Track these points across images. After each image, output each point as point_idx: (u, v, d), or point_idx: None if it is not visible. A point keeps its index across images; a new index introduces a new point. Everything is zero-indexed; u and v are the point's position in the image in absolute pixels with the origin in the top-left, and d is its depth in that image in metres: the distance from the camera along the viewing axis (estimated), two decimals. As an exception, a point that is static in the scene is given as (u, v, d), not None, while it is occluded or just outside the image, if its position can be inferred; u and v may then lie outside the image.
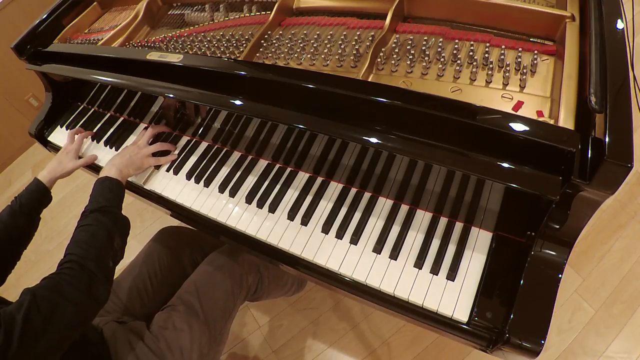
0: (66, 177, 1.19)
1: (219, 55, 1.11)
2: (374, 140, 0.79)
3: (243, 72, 0.92)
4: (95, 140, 1.30)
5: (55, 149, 1.39)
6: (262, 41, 1.07)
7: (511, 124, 0.69)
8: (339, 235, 0.91)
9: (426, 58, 0.92)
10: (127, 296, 1.11)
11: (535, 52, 0.85)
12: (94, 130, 1.31)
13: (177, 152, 1.15)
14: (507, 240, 0.83)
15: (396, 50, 0.94)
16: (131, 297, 1.11)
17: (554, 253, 0.74)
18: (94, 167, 1.26)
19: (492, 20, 0.95)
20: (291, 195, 0.99)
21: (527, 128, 0.68)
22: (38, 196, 1.09)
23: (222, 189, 1.04)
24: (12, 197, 1.06)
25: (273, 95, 0.90)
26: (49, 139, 1.41)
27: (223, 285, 1.09)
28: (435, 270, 0.83)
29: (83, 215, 0.90)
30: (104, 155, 1.26)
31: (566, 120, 0.71)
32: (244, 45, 1.10)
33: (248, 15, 1.22)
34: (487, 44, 0.90)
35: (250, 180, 1.04)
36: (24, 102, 2.81)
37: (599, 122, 0.66)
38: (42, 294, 0.72)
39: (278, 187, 1.01)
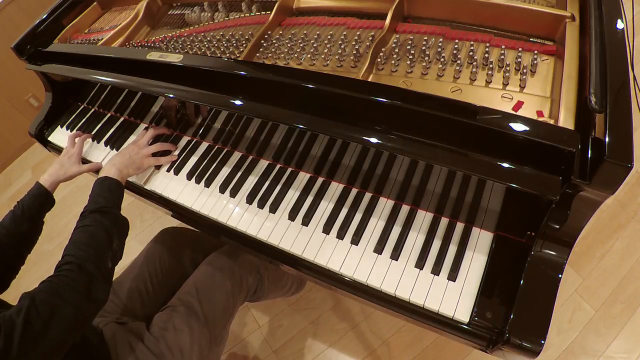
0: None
1: (219, 55, 1.11)
2: (374, 140, 0.79)
3: (243, 72, 0.92)
4: (95, 141, 1.30)
5: (55, 149, 1.39)
6: (262, 41, 1.07)
7: (511, 124, 0.69)
8: (340, 235, 0.91)
9: (426, 58, 0.92)
10: (127, 296, 1.11)
11: (535, 52, 0.85)
12: (94, 131, 1.31)
13: (177, 152, 1.15)
14: (507, 240, 0.83)
15: (396, 50, 0.94)
16: (131, 298, 1.11)
17: (554, 253, 0.74)
18: (94, 168, 1.26)
19: (492, 20, 0.95)
20: (292, 196, 0.99)
21: (527, 128, 0.68)
22: (40, 200, 1.08)
23: (222, 189, 1.04)
24: (12, 198, 1.06)
25: (273, 95, 0.90)
26: (49, 139, 1.41)
27: (223, 286, 1.09)
28: (436, 271, 0.83)
29: (82, 215, 0.90)
30: (104, 155, 1.26)
31: (566, 120, 0.71)
32: (244, 45, 1.10)
33: (248, 15, 1.22)
34: (487, 44, 0.90)
35: (251, 181, 1.04)
36: (24, 102, 2.81)
37: (599, 122, 0.66)
38: (41, 297, 0.72)
39: (279, 187, 1.01)
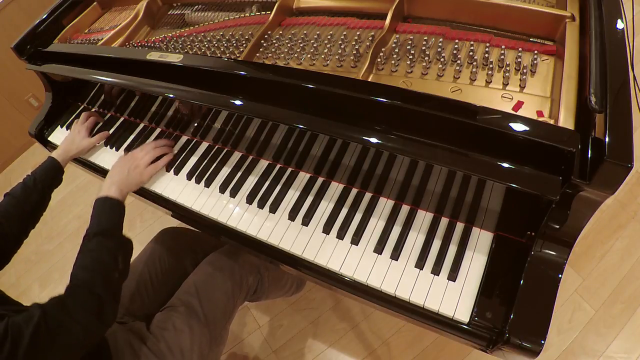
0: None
1: (219, 55, 1.11)
2: (374, 140, 0.79)
3: (243, 72, 0.92)
4: (95, 141, 1.30)
5: (55, 149, 1.39)
6: (262, 41, 1.08)
7: (511, 124, 0.69)
8: (340, 235, 0.91)
9: (426, 58, 0.92)
10: (127, 296, 1.11)
11: (535, 52, 0.85)
12: (94, 131, 1.31)
13: (176, 151, 1.15)
14: (507, 240, 0.83)
15: (396, 50, 0.94)
16: (131, 297, 1.11)
17: (554, 253, 0.74)
18: (94, 168, 1.26)
19: (492, 20, 0.95)
20: (292, 196, 0.99)
21: (527, 128, 0.68)
22: (53, 173, 1.11)
23: (222, 189, 1.04)
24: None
25: (273, 95, 0.90)
26: (49, 139, 1.41)
27: (223, 286, 1.09)
28: (436, 271, 0.83)
29: (86, 238, 0.89)
30: (105, 155, 1.26)
31: (566, 120, 0.71)
32: (244, 45, 1.10)
33: (248, 15, 1.22)
34: (487, 44, 0.90)
35: (251, 181, 1.04)
36: (24, 102, 2.81)
37: (599, 122, 0.66)
38: (52, 313, 0.73)
39: (279, 187, 1.01)
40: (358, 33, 1.01)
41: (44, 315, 0.71)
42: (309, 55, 1.01)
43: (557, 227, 0.72)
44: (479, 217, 0.86)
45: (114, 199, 0.98)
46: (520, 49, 0.86)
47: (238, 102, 0.93)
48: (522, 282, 0.74)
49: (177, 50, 1.18)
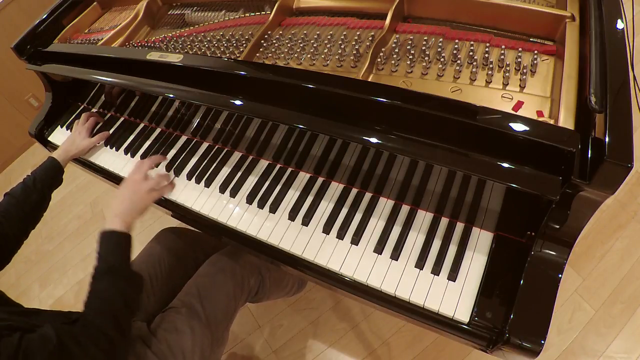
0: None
1: (219, 55, 1.11)
2: (374, 140, 0.79)
3: (243, 72, 0.92)
4: (95, 141, 1.30)
5: (55, 149, 1.39)
6: (262, 41, 1.08)
7: (511, 124, 0.69)
8: (340, 235, 0.91)
9: (426, 58, 0.92)
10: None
11: (535, 52, 0.85)
12: (94, 131, 1.31)
13: (172, 177, 1.11)
14: (507, 240, 0.83)
15: (396, 50, 0.94)
16: (132, 298, 1.11)
17: (554, 253, 0.74)
18: (94, 168, 1.26)
19: (492, 20, 0.95)
20: (292, 196, 0.99)
21: (527, 128, 0.68)
22: (53, 173, 1.11)
23: (222, 189, 1.04)
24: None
25: (273, 95, 0.90)
26: (49, 139, 1.41)
27: (225, 288, 1.09)
28: (436, 271, 0.83)
29: (95, 277, 0.87)
30: (105, 155, 1.26)
31: (566, 120, 0.71)
32: (244, 45, 1.10)
33: (248, 15, 1.22)
34: (487, 44, 0.90)
35: (251, 181, 1.04)
36: (24, 102, 2.81)
37: (599, 122, 0.66)
38: (68, 346, 0.72)
39: (279, 187, 1.01)
40: (358, 33, 1.01)
41: (60, 344, 0.71)
42: (309, 55, 1.01)
43: (557, 227, 0.72)
44: (479, 217, 0.86)
45: (119, 232, 0.92)
46: (520, 49, 0.86)
47: (238, 102, 0.93)
48: (522, 282, 0.74)
49: (177, 50, 1.18)
